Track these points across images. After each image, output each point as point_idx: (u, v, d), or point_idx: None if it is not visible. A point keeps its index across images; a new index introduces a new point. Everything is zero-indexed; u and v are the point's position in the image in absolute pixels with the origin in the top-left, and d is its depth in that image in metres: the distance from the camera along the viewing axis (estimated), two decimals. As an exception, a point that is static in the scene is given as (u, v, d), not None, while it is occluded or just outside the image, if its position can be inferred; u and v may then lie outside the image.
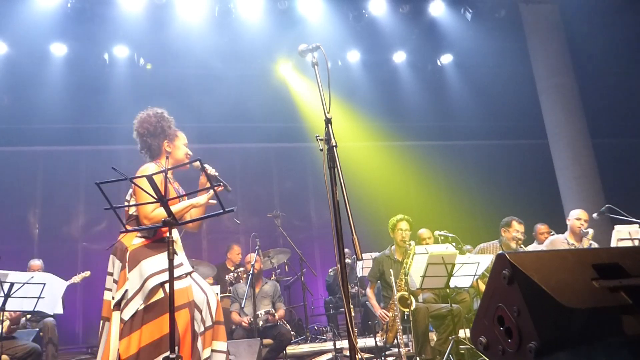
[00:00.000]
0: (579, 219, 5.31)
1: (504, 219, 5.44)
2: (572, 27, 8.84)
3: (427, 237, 6.24)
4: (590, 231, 5.29)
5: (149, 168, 3.01)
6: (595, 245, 5.34)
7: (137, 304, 2.75)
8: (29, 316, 5.31)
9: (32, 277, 4.00)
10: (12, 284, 3.89)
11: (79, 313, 8.32)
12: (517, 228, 5.27)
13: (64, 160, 8.83)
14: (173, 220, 2.59)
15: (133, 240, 2.90)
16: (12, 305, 4.00)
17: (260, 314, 5.30)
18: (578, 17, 8.67)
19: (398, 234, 5.19)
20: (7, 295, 3.89)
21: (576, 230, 5.29)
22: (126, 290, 2.78)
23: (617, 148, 10.44)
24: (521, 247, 5.24)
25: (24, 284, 3.93)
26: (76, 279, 5.84)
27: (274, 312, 5.42)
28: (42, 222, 8.74)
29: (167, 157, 3.12)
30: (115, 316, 2.78)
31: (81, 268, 6.14)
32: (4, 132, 8.59)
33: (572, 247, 5.17)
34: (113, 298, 2.82)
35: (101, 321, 2.87)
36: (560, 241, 5.30)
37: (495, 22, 8.98)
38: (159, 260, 2.82)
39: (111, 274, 2.91)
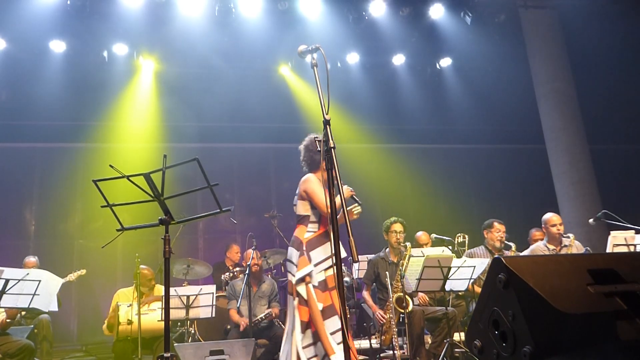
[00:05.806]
0: (553, 225, 5.24)
1: (485, 222, 5.69)
2: (571, 32, 8.86)
3: (424, 243, 6.22)
4: (571, 235, 5.27)
5: (310, 178, 3.79)
6: (580, 247, 5.32)
7: (315, 280, 3.59)
8: (24, 313, 5.29)
9: (28, 273, 3.97)
10: (7, 281, 3.88)
11: (74, 310, 8.29)
12: (498, 228, 5.53)
13: (61, 157, 8.80)
14: (169, 218, 2.60)
15: (305, 234, 3.69)
16: (7, 301, 3.97)
17: (262, 317, 5.29)
18: (577, 22, 8.69)
19: (392, 236, 5.21)
20: (2, 292, 3.86)
21: (555, 235, 5.24)
22: (311, 271, 3.58)
23: (614, 154, 10.47)
24: (504, 244, 5.43)
25: (19, 280, 3.92)
26: (72, 276, 5.83)
27: (271, 311, 5.43)
28: (39, 219, 8.70)
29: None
30: (300, 289, 3.58)
31: (77, 265, 6.13)
32: (1, 128, 8.56)
33: (553, 253, 5.16)
34: (293, 276, 3.61)
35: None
36: (540, 249, 5.29)
37: (494, 27, 8.98)
38: (321, 252, 3.66)
39: (290, 261, 3.71)
